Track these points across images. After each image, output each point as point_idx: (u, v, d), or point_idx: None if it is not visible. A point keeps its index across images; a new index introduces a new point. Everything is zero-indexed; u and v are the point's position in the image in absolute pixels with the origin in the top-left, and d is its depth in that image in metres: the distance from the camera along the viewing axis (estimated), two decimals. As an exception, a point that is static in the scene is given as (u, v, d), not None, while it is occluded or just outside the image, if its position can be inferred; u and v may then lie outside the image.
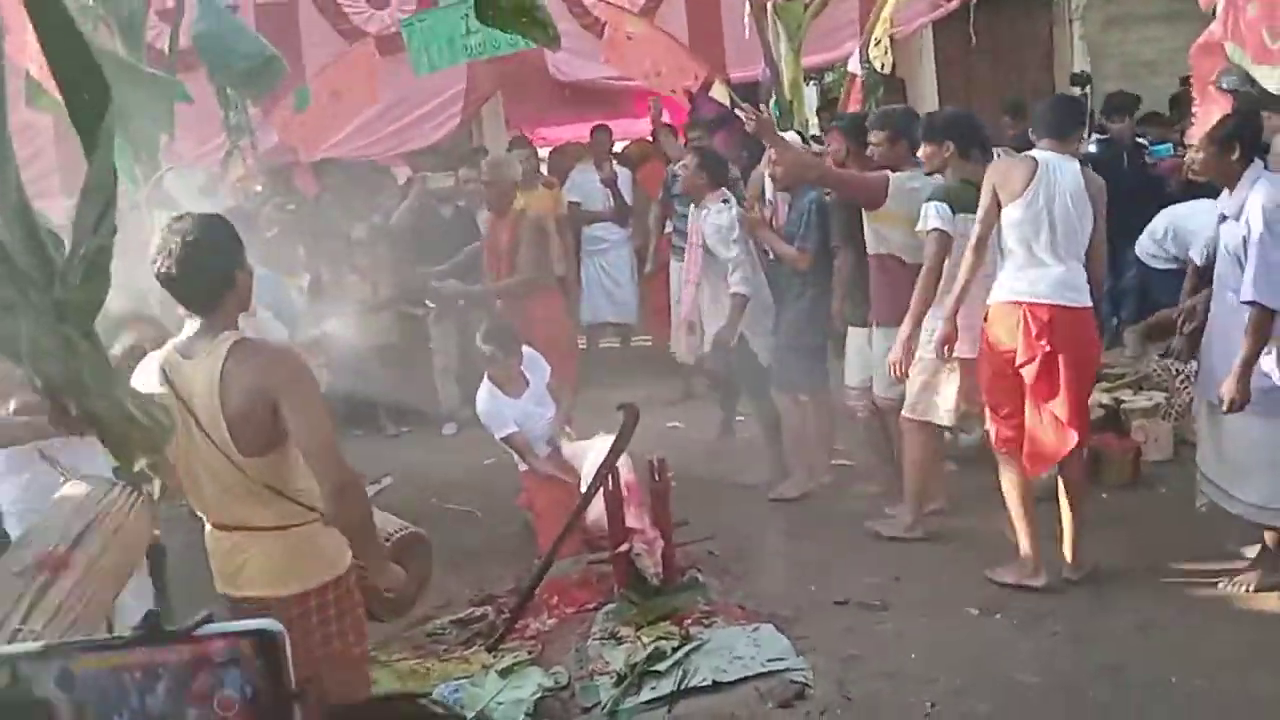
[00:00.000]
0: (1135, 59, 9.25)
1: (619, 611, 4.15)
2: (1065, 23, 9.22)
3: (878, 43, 5.77)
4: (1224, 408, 3.82)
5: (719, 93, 6.28)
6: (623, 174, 8.07)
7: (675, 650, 3.80)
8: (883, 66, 6.01)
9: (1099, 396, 5.46)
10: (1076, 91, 8.77)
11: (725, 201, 5.48)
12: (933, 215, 4.37)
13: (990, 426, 4.29)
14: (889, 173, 4.74)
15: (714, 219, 5.42)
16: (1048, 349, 3.97)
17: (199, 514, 2.78)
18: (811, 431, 5.39)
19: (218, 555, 2.75)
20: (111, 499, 2.97)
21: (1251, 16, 2.75)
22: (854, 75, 5.89)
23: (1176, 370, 5.61)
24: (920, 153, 4.60)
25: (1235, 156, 3.83)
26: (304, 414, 2.55)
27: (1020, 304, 4.03)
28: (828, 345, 5.32)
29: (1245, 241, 3.76)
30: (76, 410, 2.26)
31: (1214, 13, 3.11)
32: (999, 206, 4.06)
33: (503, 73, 8.28)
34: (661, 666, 3.72)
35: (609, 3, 6.46)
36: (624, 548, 4.20)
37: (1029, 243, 4.03)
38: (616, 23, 6.15)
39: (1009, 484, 4.24)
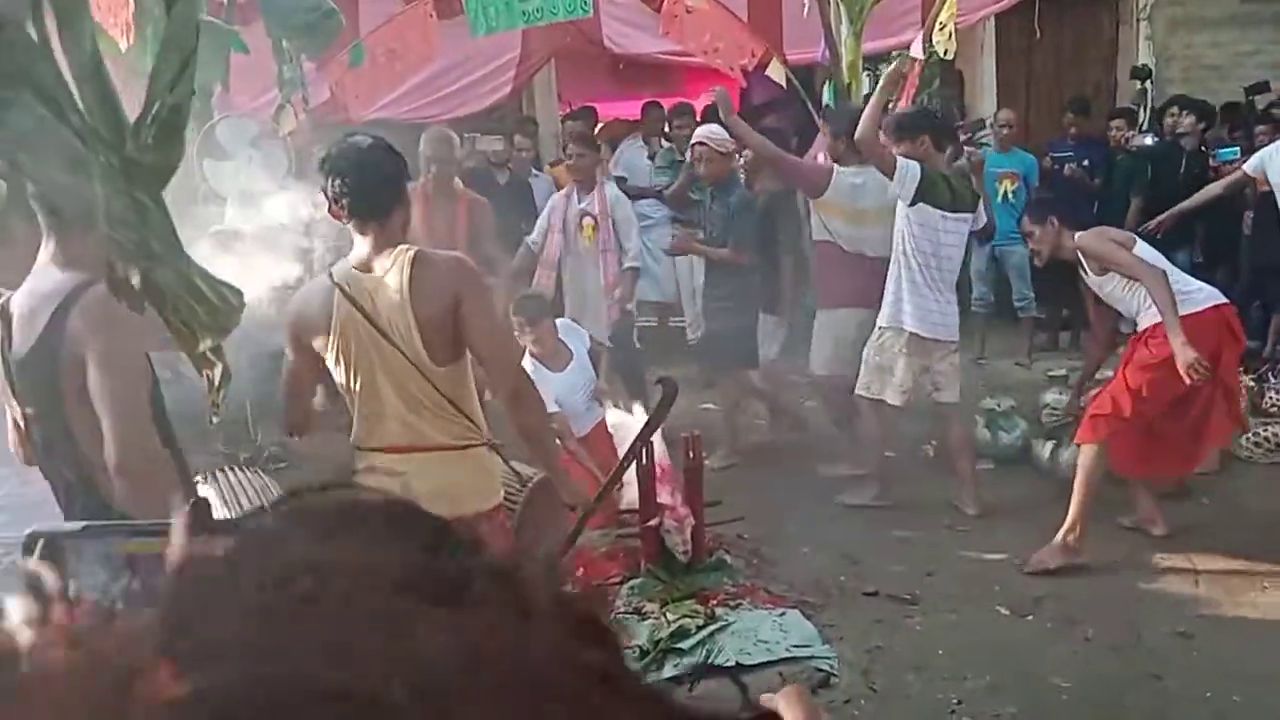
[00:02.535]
0: (1200, 62, 9.02)
1: (645, 587, 4.11)
2: (1132, 22, 9.00)
3: (942, 27, 5.65)
4: None
5: (775, 72, 6.19)
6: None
7: (700, 629, 3.75)
8: (946, 52, 5.90)
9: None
10: (1136, 86, 8.60)
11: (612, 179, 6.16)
12: (909, 169, 4.63)
13: (1100, 426, 4.32)
14: (835, 165, 5.07)
15: (610, 192, 5.95)
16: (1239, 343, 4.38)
17: (360, 444, 2.77)
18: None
19: (387, 481, 2.67)
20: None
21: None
22: (915, 60, 5.77)
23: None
24: (897, 149, 4.79)
25: None
26: (485, 316, 2.64)
27: (1221, 307, 4.29)
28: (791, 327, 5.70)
29: None
30: (140, 281, 2.11)
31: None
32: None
33: (557, 42, 8.22)
34: (685, 644, 3.68)
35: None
36: (654, 523, 4.17)
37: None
38: (676, -5, 6.08)
39: (1096, 466, 4.30)
